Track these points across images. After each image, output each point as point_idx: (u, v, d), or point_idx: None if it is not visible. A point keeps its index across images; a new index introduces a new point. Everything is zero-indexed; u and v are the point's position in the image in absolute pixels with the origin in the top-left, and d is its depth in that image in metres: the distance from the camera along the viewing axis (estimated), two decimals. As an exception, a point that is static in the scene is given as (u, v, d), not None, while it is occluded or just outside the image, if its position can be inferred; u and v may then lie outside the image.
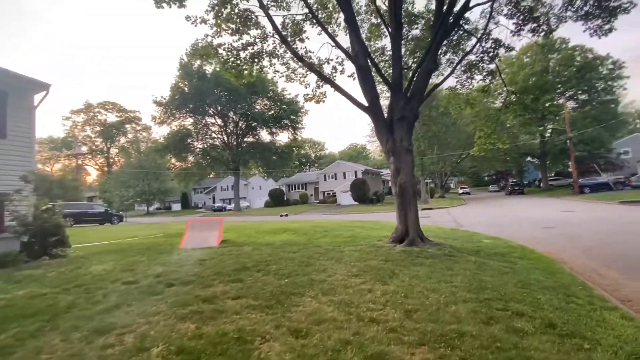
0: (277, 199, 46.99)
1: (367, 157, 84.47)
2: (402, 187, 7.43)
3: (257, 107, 40.55)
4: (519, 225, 13.36)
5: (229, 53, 7.83)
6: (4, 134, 8.20)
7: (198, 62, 36.08)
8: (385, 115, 8.00)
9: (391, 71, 8.51)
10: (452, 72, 9.08)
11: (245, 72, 8.35)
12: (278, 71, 8.75)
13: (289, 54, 8.33)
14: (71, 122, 68.41)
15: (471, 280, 4.77)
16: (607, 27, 8.56)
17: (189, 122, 40.97)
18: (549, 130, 43.91)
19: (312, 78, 9.15)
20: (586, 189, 32.39)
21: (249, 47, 7.88)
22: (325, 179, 47.80)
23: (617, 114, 40.68)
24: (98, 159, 74.08)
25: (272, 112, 40.78)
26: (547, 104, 39.40)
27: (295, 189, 53.22)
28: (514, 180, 59.79)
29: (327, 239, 9.29)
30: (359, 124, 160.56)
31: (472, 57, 10.43)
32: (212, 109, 39.45)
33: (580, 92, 41.03)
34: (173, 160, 47.83)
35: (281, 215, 23.91)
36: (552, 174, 50.74)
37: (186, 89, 36.27)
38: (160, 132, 49.02)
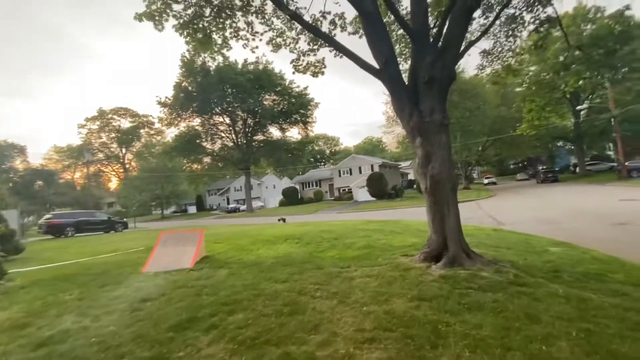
0: (291, 198, 45.16)
1: (383, 150, 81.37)
2: (435, 181, 5.14)
3: (265, 102, 38.67)
4: (577, 220, 10.70)
5: (187, 11, 5.73)
6: None
7: (201, 58, 34.63)
8: (407, 81, 5.71)
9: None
10: (500, 12, 6.62)
11: (216, 37, 6.23)
12: (258, 32, 6.59)
13: (270, 6, 6.16)
14: (87, 129, 69.46)
15: (596, 355, 2.48)
16: None
17: (196, 122, 39.68)
18: (585, 110, 39.54)
19: (305, 45, 6.93)
20: (634, 173, 28.73)
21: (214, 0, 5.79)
22: (340, 175, 45.46)
23: (664, 89, 35.98)
24: (115, 165, 74.87)
25: (281, 107, 38.76)
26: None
27: (309, 187, 51.21)
28: (545, 167, 55.36)
29: (335, 252, 7.12)
30: (375, 115, 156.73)
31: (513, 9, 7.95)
32: (218, 107, 37.89)
33: (620, 64, 36.51)
34: (189, 163, 46.98)
35: (279, 220, 19.32)
36: (587, 159, 46.11)
37: (190, 87, 34.82)
38: (173, 135, 47.02)
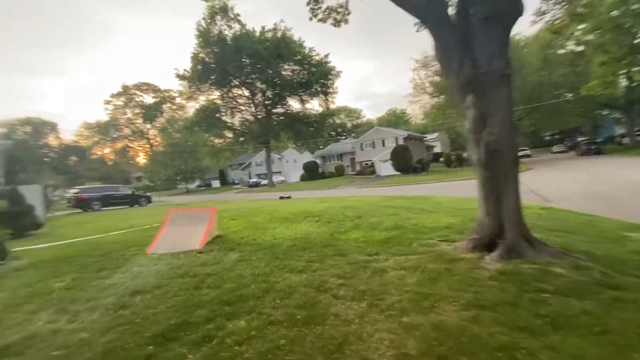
0: (311, 172, 44.44)
1: (407, 123, 78.03)
2: (491, 150, 4.01)
3: (284, 73, 37.08)
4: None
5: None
6: None
7: (217, 27, 33.29)
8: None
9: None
10: None
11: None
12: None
13: None
14: (112, 105, 70.85)
15: None
16: None
17: (215, 95, 38.96)
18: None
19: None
20: (696, 144, 25.50)
21: None
22: (362, 148, 43.94)
23: None
24: (141, 141, 76.66)
25: (301, 77, 37.07)
26: None
27: (330, 161, 50.17)
28: (586, 139, 50.96)
29: (359, 233, 6.24)
30: (399, 86, 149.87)
31: None
32: (236, 79, 36.79)
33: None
34: (210, 138, 46.92)
35: (281, 197, 17.60)
36: (637, 129, 41.63)
37: (207, 58, 33.75)
38: (194, 110, 45.77)
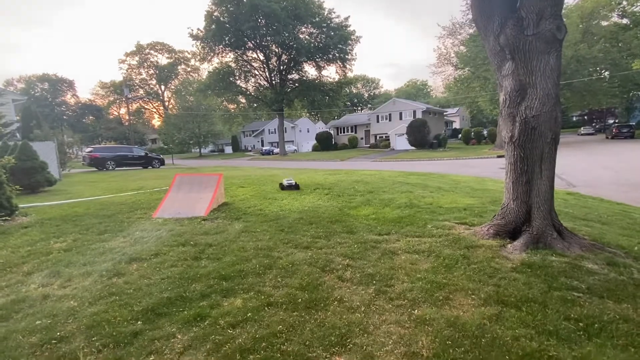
0: (324, 143, 43.75)
1: (428, 96, 74.96)
2: (529, 127, 3.52)
3: (301, 36, 35.32)
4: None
5: None
6: None
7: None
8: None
9: None
10: None
11: None
12: None
13: None
14: (127, 65, 70.21)
15: None
16: None
17: (229, 57, 37.74)
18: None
19: None
20: None
21: None
22: (377, 120, 42.65)
23: None
24: (155, 103, 76.59)
25: (318, 40, 35.28)
26: None
27: (344, 132, 49.15)
28: (617, 121, 48.11)
29: (370, 210, 5.94)
30: (420, 55, 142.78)
31: None
32: (251, 42, 35.36)
33: None
34: (223, 102, 46.27)
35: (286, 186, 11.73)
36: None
37: (222, 17, 32.28)
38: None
